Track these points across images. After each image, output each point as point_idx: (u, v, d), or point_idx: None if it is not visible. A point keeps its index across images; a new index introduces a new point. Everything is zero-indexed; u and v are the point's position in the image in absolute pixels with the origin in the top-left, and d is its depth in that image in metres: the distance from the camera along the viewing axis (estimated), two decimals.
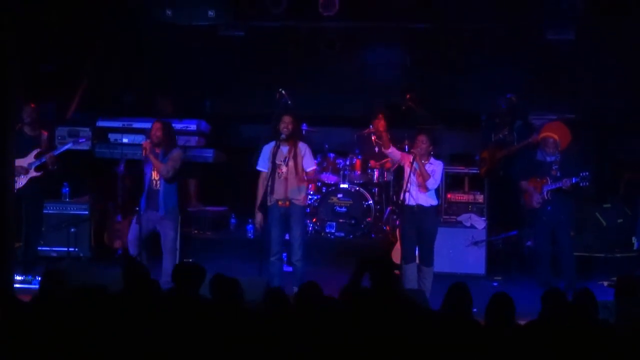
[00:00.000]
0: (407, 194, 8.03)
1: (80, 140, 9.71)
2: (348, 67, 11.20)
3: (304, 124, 10.05)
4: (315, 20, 9.88)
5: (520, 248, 9.76)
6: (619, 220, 9.89)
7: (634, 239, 9.59)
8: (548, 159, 8.64)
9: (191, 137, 10.60)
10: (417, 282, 8.05)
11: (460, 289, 5.36)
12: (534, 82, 10.70)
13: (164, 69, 11.16)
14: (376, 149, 10.73)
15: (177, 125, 9.98)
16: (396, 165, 9.50)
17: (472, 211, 9.88)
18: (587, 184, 8.37)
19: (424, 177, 8.01)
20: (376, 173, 10.82)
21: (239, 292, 5.42)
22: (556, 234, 8.65)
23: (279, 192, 8.07)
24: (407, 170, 8.13)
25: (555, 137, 8.65)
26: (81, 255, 9.63)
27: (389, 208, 10.61)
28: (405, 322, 5.08)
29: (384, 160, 10.56)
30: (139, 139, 9.91)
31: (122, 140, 10.44)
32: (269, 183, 8.05)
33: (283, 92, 9.58)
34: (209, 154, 10.73)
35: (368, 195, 10.51)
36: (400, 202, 8.19)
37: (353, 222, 10.47)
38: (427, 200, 8.11)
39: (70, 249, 9.47)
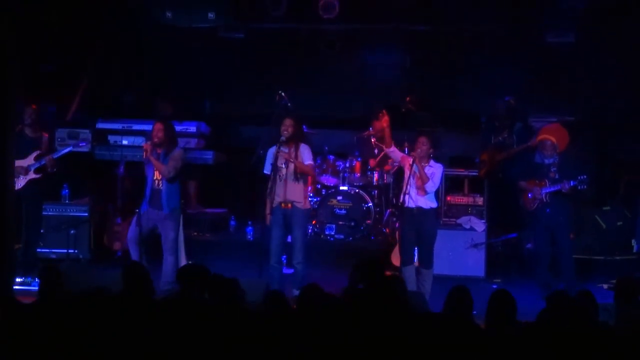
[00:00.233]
0: (406, 197, 8.03)
1: (80, 144, 9.69)
2: (348, 68, 11.20)
3: (304, 126, 10.04)
4: (315, 23, 9.88)
5: (519, 250, 9.75)
6: (619, 223, 9.89)
7: (633, 242, 9.58)
8: (546, 161, 8.63)
9: (191, 139, 10.57)
10: (415, 284, 8.04)
11: (461, 291, 5.36)
12: (534, 83, 10.70)
13: (164, 69, 11.16)
14: (376, 151, 10.73)
15: (177, 127, 9.89)
16: (396, 167, 9.50)
17: (472, 214, 9.88)
18: (585, 187, 8.37)
19: (423, 180, 8.00)
20: (376, 175, 10.80)
21: (239, 292, 5.42)
22: (555, 236, 8.63)
23: (280, 194, 8.08)
24: (406, 172, 8.13)
25: (553, 139, 8.63)
26: (81, 257, 9.60)
27: (388, 210, 10.60)
28: (405, 323, 5.07)
29: (385, 167, 10.57)
30: (138, 141, 9.88)
31: (121, 142, 10.40)
32: (270, 185, 8.06)
33: (282, 94, 9.57)
34: (208, 155, 10.69)
35: (368, 198, 10.50)
36: (399, 204, 8.20)
37: (353, 224, 10.46)
38: (427, 202, 8.10)
39: (69, 251, 9.44)
